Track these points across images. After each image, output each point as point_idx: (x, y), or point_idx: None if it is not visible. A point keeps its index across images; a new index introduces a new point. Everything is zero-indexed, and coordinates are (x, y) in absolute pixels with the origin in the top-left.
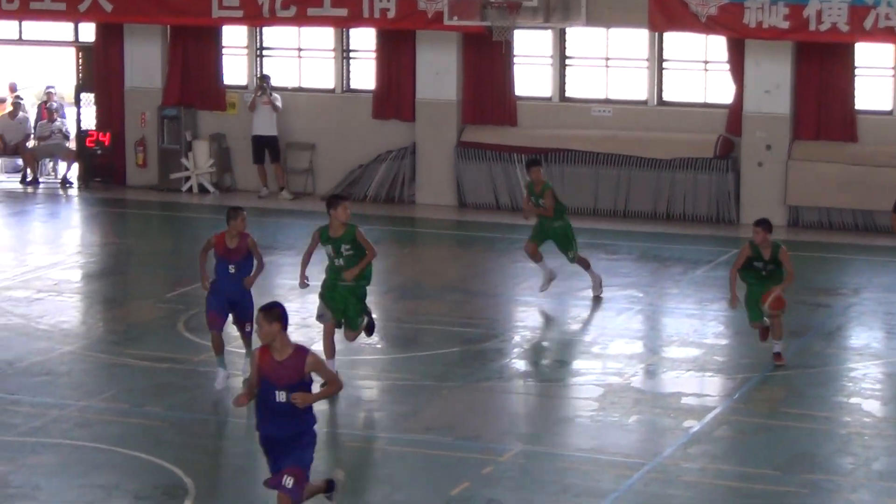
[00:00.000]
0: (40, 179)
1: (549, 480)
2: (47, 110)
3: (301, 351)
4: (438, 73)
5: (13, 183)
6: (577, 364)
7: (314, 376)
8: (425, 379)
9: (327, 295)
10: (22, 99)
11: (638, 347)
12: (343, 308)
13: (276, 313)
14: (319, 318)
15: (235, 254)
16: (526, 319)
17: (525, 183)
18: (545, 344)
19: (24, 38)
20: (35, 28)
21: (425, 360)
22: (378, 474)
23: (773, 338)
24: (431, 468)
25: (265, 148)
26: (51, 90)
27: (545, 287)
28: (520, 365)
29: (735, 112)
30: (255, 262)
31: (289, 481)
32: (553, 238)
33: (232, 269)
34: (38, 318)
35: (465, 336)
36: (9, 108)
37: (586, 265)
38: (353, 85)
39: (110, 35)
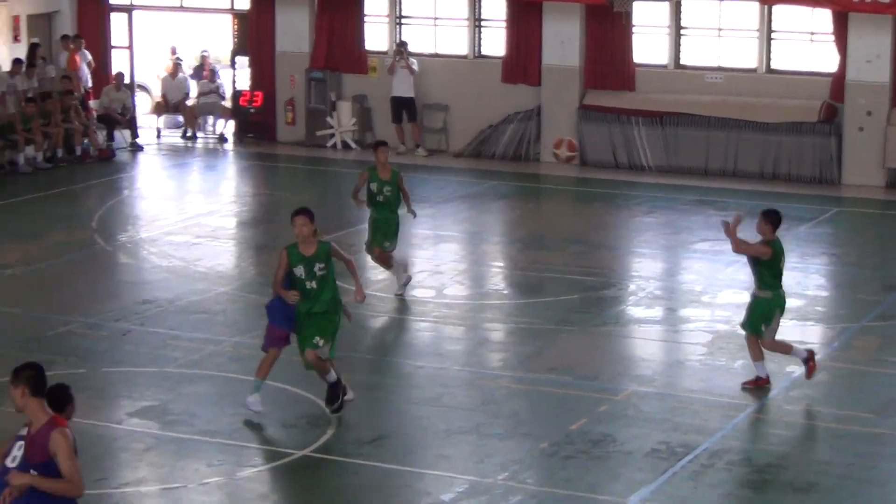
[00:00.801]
0: (198, 135)
1: (661, 419)
2: (209, 71)
3: (51, 424)
4: (563, 41)
5: (174, 138)
6: (688, 312)
7: None
8: (548, 323)
9: (300, 325)
10: (181, 61)
11: (744, 297)
12: (314, 334)
13: (25, 376)
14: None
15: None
16: (641, 270)
17: (369, 169)
18: (658, 293)
19: (184, 5)
20: None
21: (548, 305)
22: (503, 410)
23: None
24: (552, 405)
25: (403, 108)
26: (205, 54)
27: (402, 290)
28: (635, 312)
29: (838, 80)
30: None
31: None
32: (383, 228)
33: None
34: (196, 261)
35: (584, 284)
36: (170, 69)
37: (389, 264)
38: (484, 51)
39: (263, 3)
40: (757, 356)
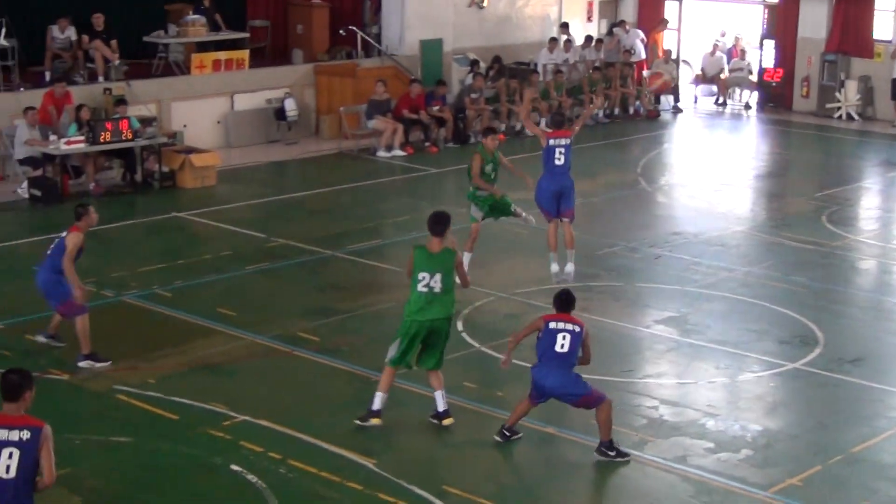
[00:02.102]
0: (728, 103)
1: None
2: (739, 51)
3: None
4: None
5: (708, 104)
6: None
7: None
8: None
9: None
10: (719, 42)
11: None
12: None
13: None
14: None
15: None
16: None
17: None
18: None
19: None
20: None
21: None
22: None
23: None
24: None
25: None
26: (739, 37)
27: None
28: None
29: None
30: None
31: None
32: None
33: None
34: (718, 203)
35: None
36: (709, 48)
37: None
38: None
39: None
40: None
